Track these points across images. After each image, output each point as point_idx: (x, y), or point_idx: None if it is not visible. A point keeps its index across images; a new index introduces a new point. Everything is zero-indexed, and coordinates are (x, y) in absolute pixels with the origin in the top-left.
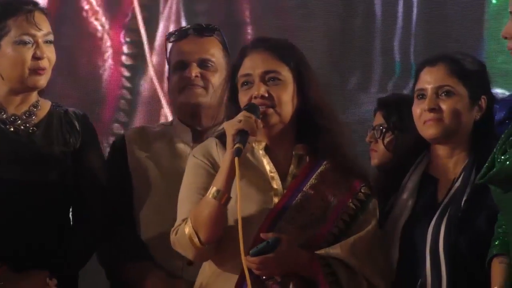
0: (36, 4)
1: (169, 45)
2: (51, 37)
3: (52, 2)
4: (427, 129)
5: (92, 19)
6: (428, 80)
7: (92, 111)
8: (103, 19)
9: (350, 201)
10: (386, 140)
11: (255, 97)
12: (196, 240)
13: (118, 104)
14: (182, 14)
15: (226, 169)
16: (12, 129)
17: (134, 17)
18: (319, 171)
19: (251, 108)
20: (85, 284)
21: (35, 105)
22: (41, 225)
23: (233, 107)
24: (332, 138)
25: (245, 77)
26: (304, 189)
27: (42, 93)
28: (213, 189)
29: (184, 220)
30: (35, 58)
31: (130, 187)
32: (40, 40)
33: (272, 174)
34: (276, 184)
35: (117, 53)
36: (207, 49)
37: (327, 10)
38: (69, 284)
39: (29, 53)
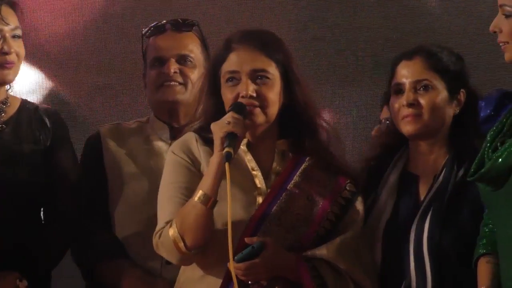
0: None
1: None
2: (19, 32)
3: None
4: (406, 125)
5: None
6: (405, 74)
7: None
8: None
9: (336, 199)
10: None
11: (243, 97)
12: (181, 245)
13: None
14: None
15: (213, 172)
16: None
17: None
18: (302, 168)
19: (238, 108)
20: (58, 285)
21: (4, 102)
22: (11, 225)
23: (213, 101)
24: (317, 135)
25: (231, 74)
26: (288, 187)
27: (11, 89)
28: (199, 193)
29: (168, 223)
30: (2, 53)
31: (105, 185)
32: (7, 35)
33: (254, 172)
34: (259, 182)
35: None
36: (185, 44)
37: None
38: (41, 286)
39: None
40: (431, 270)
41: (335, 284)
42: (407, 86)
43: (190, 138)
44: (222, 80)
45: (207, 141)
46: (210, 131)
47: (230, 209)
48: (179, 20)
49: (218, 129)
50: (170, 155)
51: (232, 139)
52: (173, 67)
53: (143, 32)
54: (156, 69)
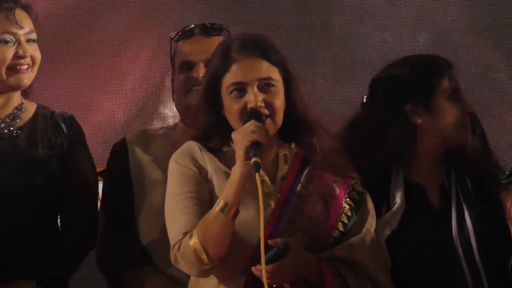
0: (17, 1)
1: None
2: (34, 36)
3: None
4: (468, 133)
5: None
6: (459, 82)
7: None
8: None
9: (345, 201)
10: None
11: (252, 108)
12: (204, 256)
13: None
14: None
15: (236, 181)
16: None
17: None
18: (306, 171)
19: (257, 116)
20: None
21: (19, 108)
22: (27, 232)
23: (211, 112)
24: (316, 136)
25: (236, 85)
26: (297, 190)
27: (27, 94)
28: (220, 203)
29: (187, 234)
30: (17, 57)
31: (131, 191)
32: (22, 39)
33: (261, 177)
34: (268, 187)
35: None
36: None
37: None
38: None
39: (10, 52)
40: (486, 277)
41: (354, 283)
42: (461, 95)
43: (193, 146)
44: (225, 92)
45: (210, 150)
46: (210, 142)
47: (262, 217)
48: (208, 24)
49: (242, 138)
50: (174, 166)
51: (257, 148)
52: (202, 71)
53: (171, 36)
54: (185, 73)
